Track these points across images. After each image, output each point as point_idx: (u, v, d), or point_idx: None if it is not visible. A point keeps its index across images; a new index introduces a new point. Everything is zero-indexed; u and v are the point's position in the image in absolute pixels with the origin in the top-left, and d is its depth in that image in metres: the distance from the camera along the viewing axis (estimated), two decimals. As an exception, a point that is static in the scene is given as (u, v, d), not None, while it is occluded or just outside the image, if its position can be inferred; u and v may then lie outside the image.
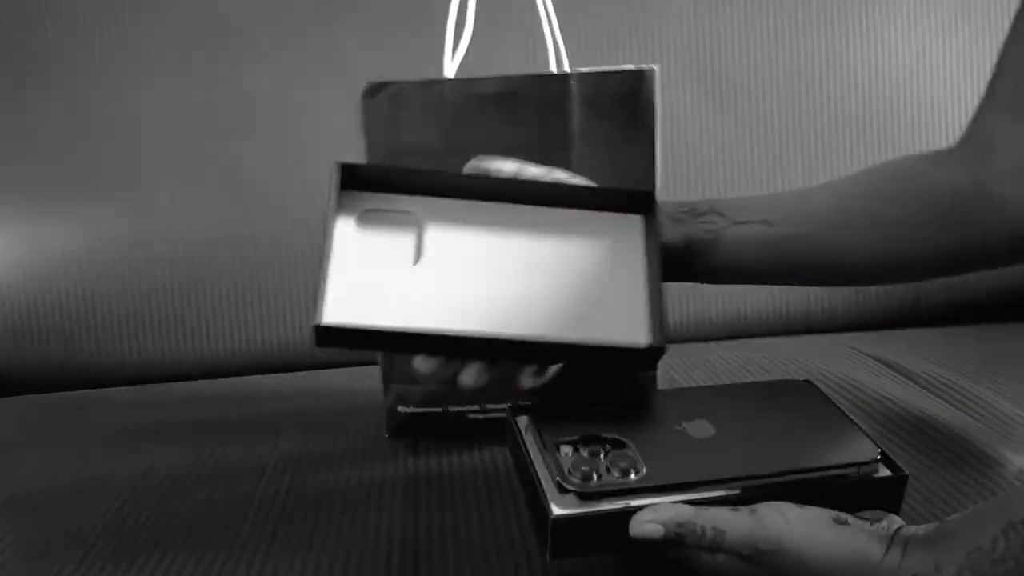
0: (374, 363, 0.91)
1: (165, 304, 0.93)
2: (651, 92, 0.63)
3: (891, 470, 0.46)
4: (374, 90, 0.63)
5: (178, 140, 0.94)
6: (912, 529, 0.42)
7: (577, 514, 0.42)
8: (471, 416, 0.68)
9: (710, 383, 0.76)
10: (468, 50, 0.67)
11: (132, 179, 0.94)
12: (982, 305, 0.98)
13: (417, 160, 0.64)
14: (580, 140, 0.64)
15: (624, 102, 0.64)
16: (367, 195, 0.54)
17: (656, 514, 0.41)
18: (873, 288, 0.98)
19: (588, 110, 0.64)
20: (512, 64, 0.72)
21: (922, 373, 0.78)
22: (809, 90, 1.00)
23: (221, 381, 0.90)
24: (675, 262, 0.56)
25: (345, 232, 0.51)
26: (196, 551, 0.53)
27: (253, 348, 0.94)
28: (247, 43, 0.95)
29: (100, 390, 0.91)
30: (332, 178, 0.52)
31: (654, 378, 0.69)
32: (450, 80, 0.64)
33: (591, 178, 0.64)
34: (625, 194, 0.55)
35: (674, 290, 0.95)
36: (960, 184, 0.57)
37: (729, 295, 0.97)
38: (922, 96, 1.01)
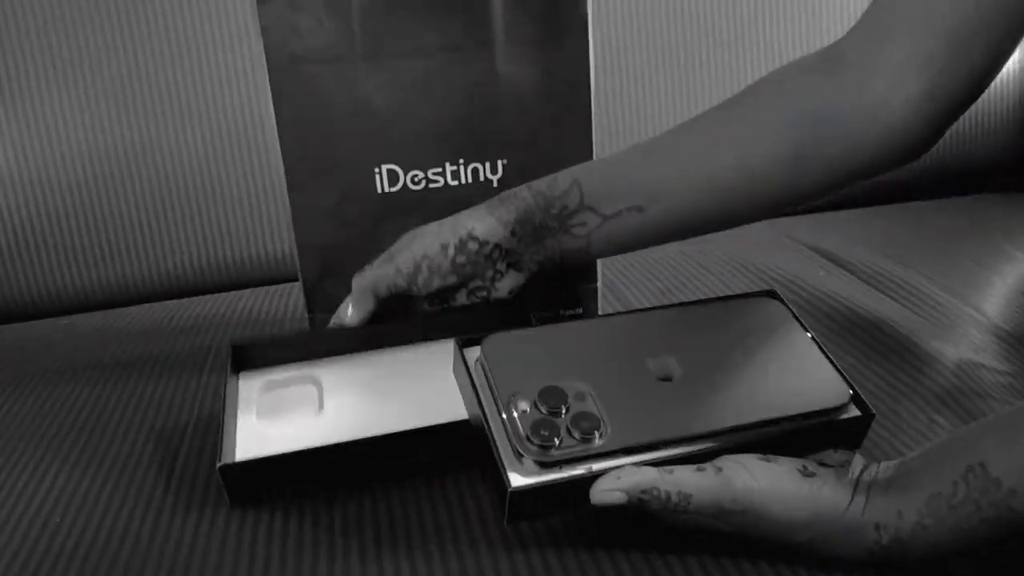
0: (293, 280, 0.87)
1: (67, 230, 0.85)
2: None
3: (860, 409, 0.44)
4: (269, -8, 0.56)
5: (65, 46, 0.84)
6: (873, 471, 0.41)
7: (537, 484, 0.39)
8: (405, 341, 0.65)
9: (652, 286, 0.75)
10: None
11: (14, 95, 0.84)
12: (913, 184, 0.98)
13: (325, 68, 0.58)
14: (504, 39, 0.59)
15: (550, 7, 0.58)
16: (265, 372, 0.57)
17: (618, 481, 0.39)
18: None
19: (513, 5, 0.58)
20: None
21: (859, 263, 0.77)
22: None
23: (134, 309, 0.85)
24: (552, 272, 0.55)
25: (246, 401, 0.55)
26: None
27: (158, 273, 0.88)
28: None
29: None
30: (226, 361, 0.56)
31: (596, 290, 0.66)
32: (355, -23, 0.57)
33: (517, 82, 0.59)
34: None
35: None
36: (833, 108, 0.50)
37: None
38: None
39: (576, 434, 0.40)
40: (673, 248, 0.84)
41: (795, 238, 0.84)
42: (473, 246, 0.53)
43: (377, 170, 0.60)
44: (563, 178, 0.54)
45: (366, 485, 0.50)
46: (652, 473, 0.40)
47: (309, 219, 0.61)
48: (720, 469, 0.40)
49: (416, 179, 0.60)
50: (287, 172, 0.60)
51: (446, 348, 0.56)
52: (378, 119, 0.59)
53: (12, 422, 0.61)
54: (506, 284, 0.55)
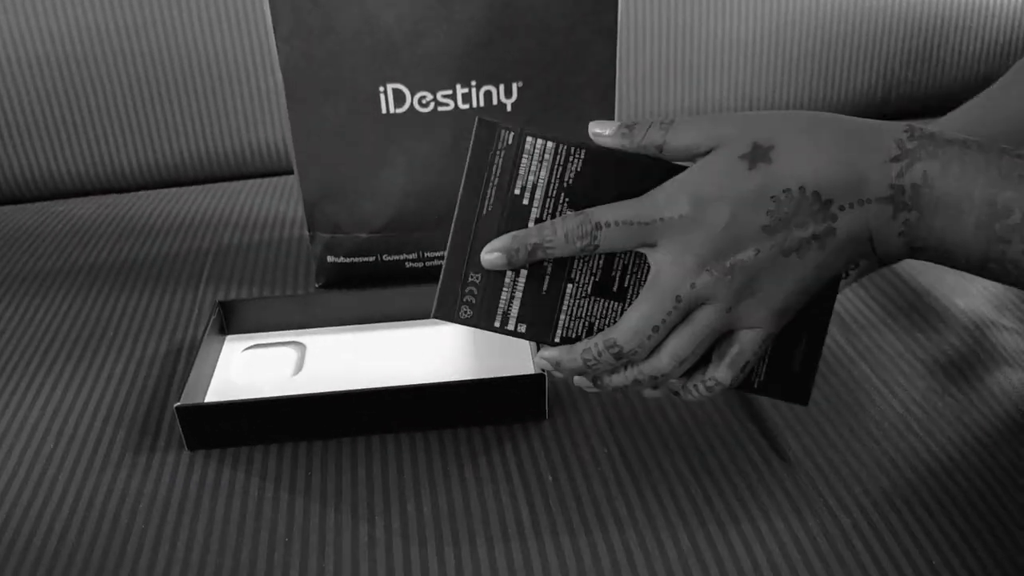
0: (288, 173, 0.84)
1: (51, 111, 0.81)
2: None
3: None
4: None
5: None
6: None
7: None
8: (409, 265, 0.63)
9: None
10: None
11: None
12: (954, 95, 0.92)
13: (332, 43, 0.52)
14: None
15: None
16: (251, 335, 0.56)
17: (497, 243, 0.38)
18: (840, 82, 0.91)
19: None
20: None
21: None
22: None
23: (129, 197, 0.82)
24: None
25: (227, 358, 0.54)
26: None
27: (155, 159, 0.84)
28: None
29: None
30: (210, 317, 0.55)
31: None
32: None
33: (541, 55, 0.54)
34: None
35: (630, 76, 0.88)
36: None
37: (688, 84, 0.89)
38: None
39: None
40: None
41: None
42: None
43: (382, 89, 0.56)
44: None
45: (327, 442, 0.49)
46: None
47: (309, 138, 0.57)
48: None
49: (424, 101, 0.56)
50: (287, 88, 0.56)
51: (434, 328, 0.57)
52: (386, 36, 0.54)
53: (7, 328, 0.60)
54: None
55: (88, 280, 0.66)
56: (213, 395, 0.51)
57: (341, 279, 0.63)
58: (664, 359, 0.38)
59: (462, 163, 0.58)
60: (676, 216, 0.36)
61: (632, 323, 0.37)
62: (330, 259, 0.62)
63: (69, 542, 0.43)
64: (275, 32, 0.54)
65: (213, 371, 0.53)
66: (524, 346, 0.55)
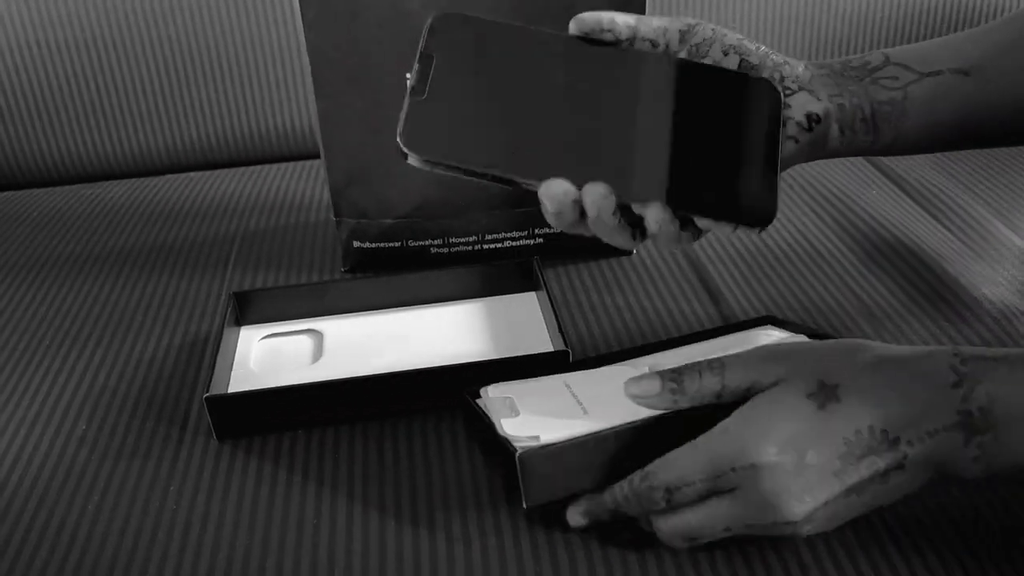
0: (315, 156, 0.84)
1: (79, 95, 0.82)
2: None
3: None
4: None
5: None
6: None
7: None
8: (434, 251, 0.63)
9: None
10: None
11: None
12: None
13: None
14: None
15: None
16: (267, 324, 0.57)
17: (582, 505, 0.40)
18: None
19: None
20: None
21: (916, 182, 0.73)
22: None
23: (157, 180, 0.82)
24: (857, 132, 0.44)
25: (244, 348, 0.55)
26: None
27: (183, 142, 0.85)
28: None
29: (8, 193, 0.83)
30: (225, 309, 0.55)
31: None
32: None
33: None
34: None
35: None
36: None
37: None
38: None
39: None
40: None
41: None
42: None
43: (409, 75, 0.56)
44: (851, 56, 0.47)
45: (354, 426, 0.49)
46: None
47: (336, 125, 0.57)
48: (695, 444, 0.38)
49: (451, 88, 0.56)
50: (314, 75, 0.56)
51: (454, 309, 0.57)
52: (413, 23, 0.54)
53: (37, 313, 0.61)
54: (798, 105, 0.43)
55: (117, 264, 0.67)
56: (235, 384, 0.51)
57: (367, 263, 0.63)
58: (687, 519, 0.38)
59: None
60: (748, 465, 0.36)
61: (680, 462, 0.37)
62: (356, 244, 0.62)
63: (101, 525, 0.44)
64: (302, 19, 0.54)
65: (233, 360, 0.53)
66: (542, 324, 0.55)
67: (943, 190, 0.71)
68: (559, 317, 0.52)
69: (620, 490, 0.39)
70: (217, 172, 0.83)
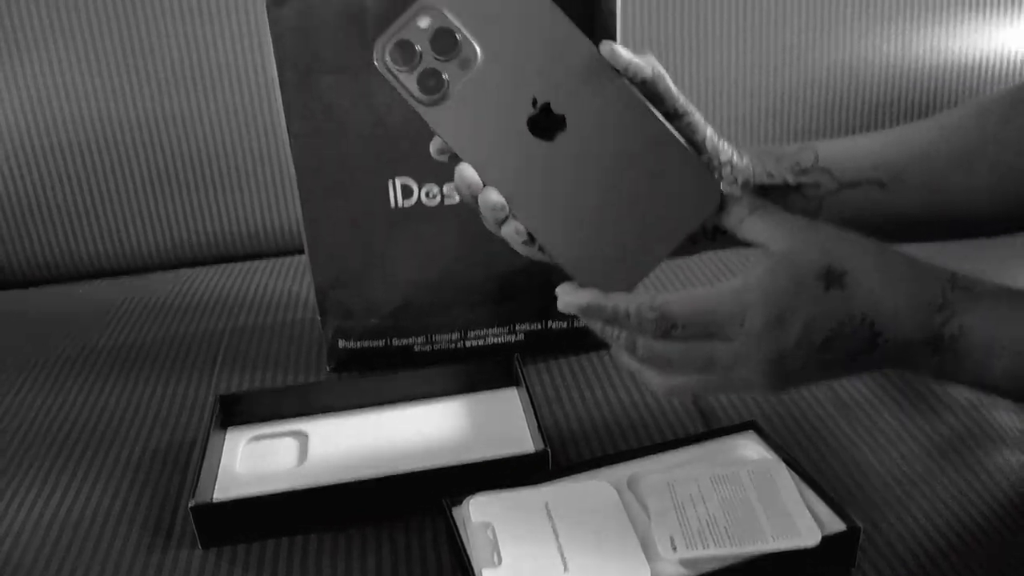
0: (300, 252, 0.86)
1: (73, 197, 0.84)
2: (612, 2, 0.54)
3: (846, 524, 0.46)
4: (281, -2, 0.53)
5: (70, 10, 0.81)
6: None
7: None
8: (417, 348, 0.64)
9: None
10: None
11: (15, 55, 0.81)
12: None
13: (338, 79, 0.55)
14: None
15: (582, 9, 0.54)
16: (252, 425, 0.57)
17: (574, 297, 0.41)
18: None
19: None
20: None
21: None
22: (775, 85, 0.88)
23: (145, 278, 0.84)
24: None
25: (230, 451, 0.55)
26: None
27: (173, 240, 0.87)
28: None
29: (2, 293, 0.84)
30: (211, 412, 0.56)
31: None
32: (372, -15, 0.54)
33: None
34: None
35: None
36: None
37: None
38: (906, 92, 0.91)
39: None
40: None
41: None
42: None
43: (391, 183, 0.58)
44: (790, 145, 0.50)
45: (338, 533, 0.49)
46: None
47: (321, 230, 0.59)
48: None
49: (431, 194, 0.58)
50: (299, 184, 0.58)
51: (437, 407, 0.58)
52: (393, 132, 0.56)
53: (27, 417, 0.62)
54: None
55: (107, 365, 0.68)
56: (220, 490, 0.52)
57: (352, 362, 0.64)
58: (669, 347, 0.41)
59: (469, 253, 0.61)
60: (754, 329, 0.40)
61: (695, 303, 0.40)
62: (341, 344, 0.64)
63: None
64: (289, 132, 0.56)
65: (218, 465, 0.54)
66: (523, 422, 0.56)
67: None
68: (538, 416, 0.53)
69: (625, 304, 0.41)
70: (206, 268, 0.85)
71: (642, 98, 0.41)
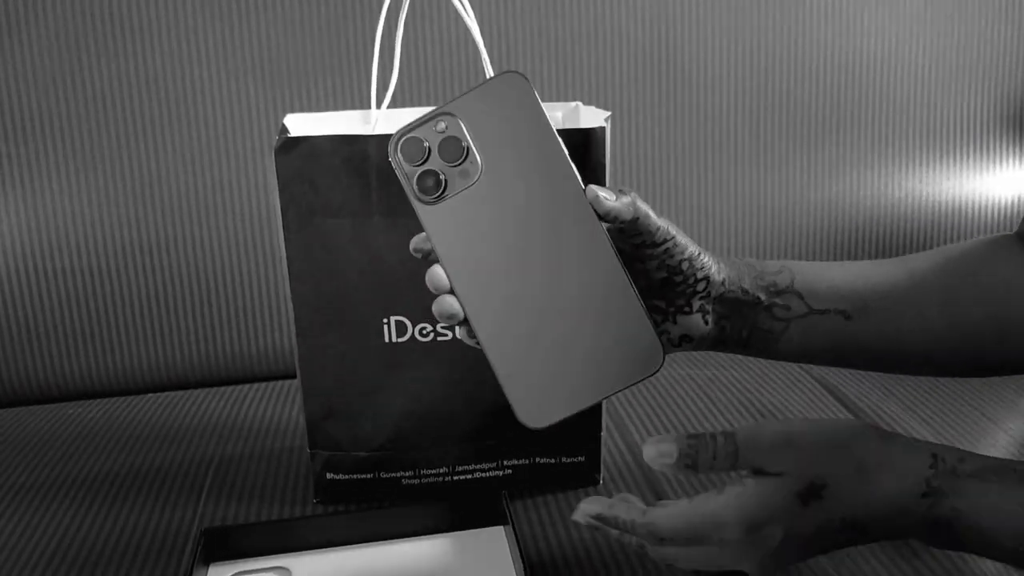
0: (292, 377, 0.87)
1: (71, 319, 0.86)
2: (601, 150, 0.57)
3: None
4: (288, 145, 0.56)
5: (76, 137, 0.84)
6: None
7: None
8: (405, 482, 0.64)
9: (657, 420, 0.74)
10: (398, 89, 0.60)
11: (27, 182, 0.85)
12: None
13: (339, 223, 0.57)
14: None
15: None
16: (236, 562, 0.57)
17: (588, 507, 0.47)
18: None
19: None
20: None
21: (866, 408, 0.76)
22: (768, 82, 0.94)
23: (139, 399, 0.85)
24: (732, 341, 0.53)
25: None
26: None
27: (165, 362, 0.88)
28: (148, 27, 0.84)
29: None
30: (193, 547, 0.57)
31: (599, 439, 0.66)
32: (374, 136, 0.57)
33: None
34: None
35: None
36: None
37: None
38: (888, 89, 0.97)
39: None
40: (680, 373, 0.84)
41: (809, 372, 0.83)
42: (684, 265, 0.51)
43: (386, 321, 0.60)
44: (772, 263, 0.53)
45: None
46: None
47: (315, 364, 0.61)
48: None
49: (424, 331, 0.60)
50: (296, 319, 0.60)
51: (422, 545, 0.59)
52: (390, 273, 0.58)
53: (6, 545, 0.61)
54: (684, 325, 0.51)
55: (91, 491, 0.68)
56: None
57: (339, 495, 0.64)
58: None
59: (458, 389, 0.62)
60: (733, 540, 0.44)
61: (676, 520, 0.45)
62: (329, 476, 0.64)
63: None
64: (288, 269, 0.58)
65: None
66: (509, 562, 0.56)
67: (894, 417, 0.75)
68: (524, 558, 0.53)
69: (627, 519, 0.46)
70: (196, 392, 0.86)
71: (613, 251, 0.44)
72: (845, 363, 0.55)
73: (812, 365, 0.83)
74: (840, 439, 0.45)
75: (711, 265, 0.50)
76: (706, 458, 0.44)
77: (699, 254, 0.49)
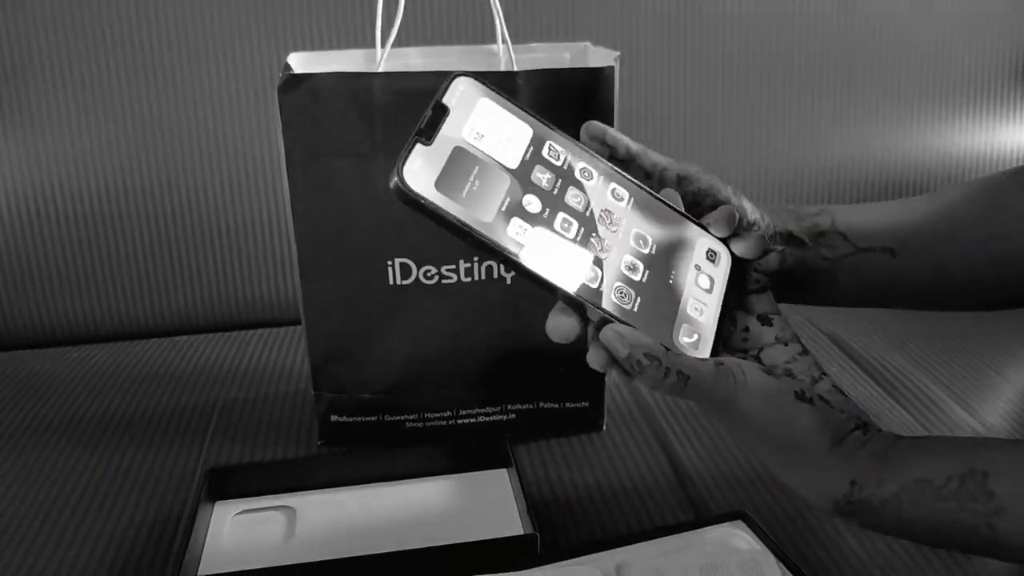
0: (296, 323, 0.87)
1: (74, 263, 0.85)
2: (609, 91, 0.56)
3: None
4: (291, 83, 0.55)
5: (76, 78, 0.83)
6: (865, 438, 0.41)
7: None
8: (409, 425, 0.64)
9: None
10: (400, 30, 0.59)
11: (27, 124, 0.83)
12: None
13: (343, 163, 0.57)
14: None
15: (578, 103, 0.56)
16: (240, 500, 0.57)
17: (624, 339, 0.39)
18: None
19: (537, 112, 0.57)
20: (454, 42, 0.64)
21: (873, 359, 0.76)
22: (779, 36, 0.92)
23: (142, 344, 0.85)
24: (788, 284, 0.50)
25: (217, 527, 0.55)
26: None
27: (169, 307, 0.88)
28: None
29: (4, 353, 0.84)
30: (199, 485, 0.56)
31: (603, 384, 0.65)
32: (379, 73, 0.56)
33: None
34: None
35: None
36: None
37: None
38: (904, 39, 0.95)
39: None
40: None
41: (814, 323, 0.83)
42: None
43: (390, 263, 0.59)
44: (809, 206, 0.52)
45: None
46: (661, 348, 0.39)
47: (319, 306, 0.60)
48: (721, 363, 0.40)
49: (428, 274, 0.60)
50: (300, 261, 0.59)
51: (426, 485, 0.59)
52: (393, 215, 0.58)
53: (14, 482, 0.62)
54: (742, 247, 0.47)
55: (97, 432, 0.68)
56: (206, 567, 0.51)
57: (343, 437, 0.65)
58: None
59: (463, 333, 0.62)
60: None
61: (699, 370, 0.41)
62: (333, 418, 0.64)
63: None
64: (292, 209, 0.58)
65: (205, 539, 0.54)
66: (513, 504, 0.56)
67: (902, 371, 0.74)
68: (528, 498, 0.54)
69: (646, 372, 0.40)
70: (201, 336, 0.86)
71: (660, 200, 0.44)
72: (893, 303, 0.53)
73: (813, 314, 0.83)
74: (784, 438, 0.42)
75: (750, 210, 0.48)
76: (647, 382, 0.41)
77: (739, 199, 0.48)
